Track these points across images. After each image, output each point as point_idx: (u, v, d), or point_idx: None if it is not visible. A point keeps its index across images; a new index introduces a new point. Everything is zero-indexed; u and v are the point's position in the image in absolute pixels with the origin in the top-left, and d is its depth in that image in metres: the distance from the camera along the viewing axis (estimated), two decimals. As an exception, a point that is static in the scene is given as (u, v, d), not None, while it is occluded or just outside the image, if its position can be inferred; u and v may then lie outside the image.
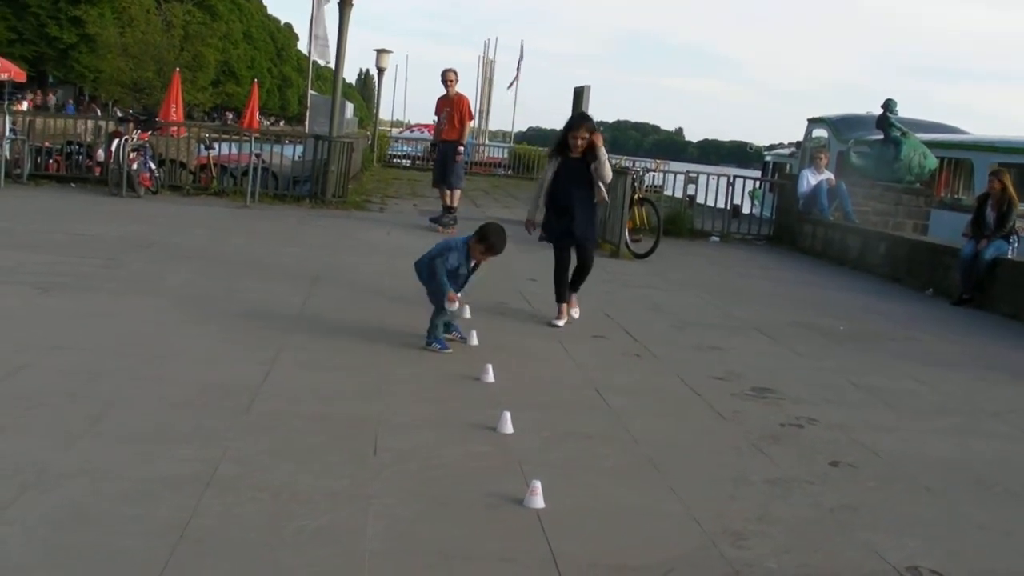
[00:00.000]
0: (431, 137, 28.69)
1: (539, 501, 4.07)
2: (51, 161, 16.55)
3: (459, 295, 6.66)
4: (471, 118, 15.58)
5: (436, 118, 14.74)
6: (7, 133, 15.26)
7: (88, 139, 17.28)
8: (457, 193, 14.80)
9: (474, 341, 6.91)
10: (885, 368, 7.63)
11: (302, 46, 30.25)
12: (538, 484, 4.11)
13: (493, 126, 55.00)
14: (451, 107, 14.41)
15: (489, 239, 6.67)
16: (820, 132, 23.67)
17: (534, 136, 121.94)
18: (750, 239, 16.95)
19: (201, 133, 18.25)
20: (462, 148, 14.78)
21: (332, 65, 18.17)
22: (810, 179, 16.14)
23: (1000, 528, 4.40)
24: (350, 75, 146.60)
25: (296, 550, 3.48)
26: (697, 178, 18.05)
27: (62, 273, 8.22)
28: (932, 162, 16.42)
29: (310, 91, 25.02)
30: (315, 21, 23.25)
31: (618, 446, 5.02)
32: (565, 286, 8.13)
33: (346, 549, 3.52)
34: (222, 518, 3.68)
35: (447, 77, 14.40)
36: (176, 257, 9.83)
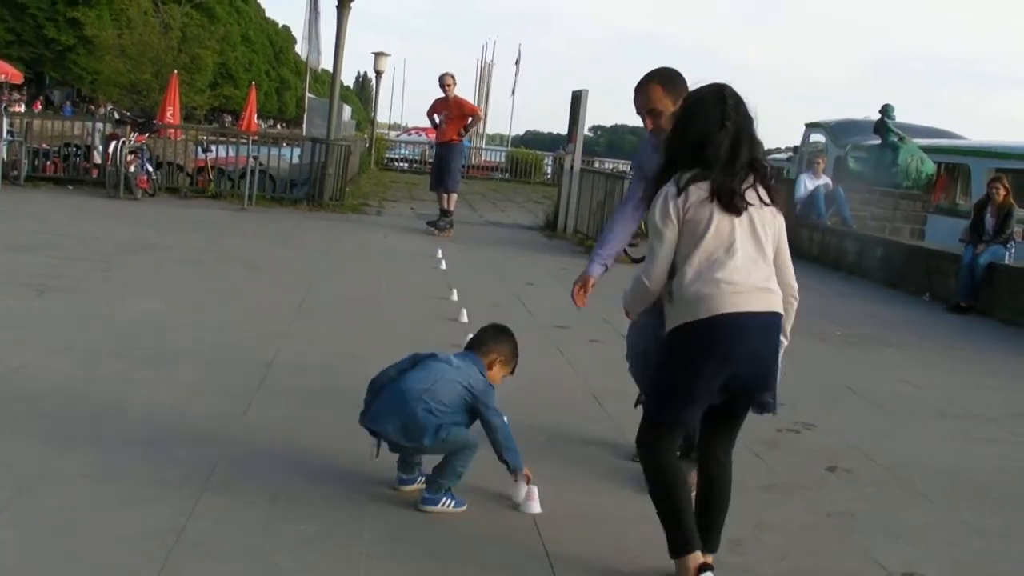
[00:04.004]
0: (428, 140, 28.51)
1: (536, 506, 4.06)
2: (48, 163, 16.53)
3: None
4: (477, 109, 15.62)
5: (436, 118, 14.64)
6: (4, 135, 15.24)
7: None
8: (454, 196, 14.80)
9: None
10: (882, 373, 7.63)
11: (300, 49, 30.36)
12: (535, 489, 4.10)
13: (491, 130, 55.11)
14: (448, 110, 14.39)
15: (514, 347, 4.28)
16: (817, 137, 23.67)
17: (531, 140, 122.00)
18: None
19: (198, 135, 18.23)
20: (465, 132, 14.89)
21: (330, 68, 18.17)
22: (807, 184, 16.17)
23: (998, 534, 4.39)
24: (348, 78, 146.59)
25: (293, 553, 3.47)
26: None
27: (58, 275, 8.20)
28: (929, 167, 16.45)
29: (308, 94, 25.04)
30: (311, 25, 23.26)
31: (615, 451, 5.01)
32: (689, 511, 3.46)
33: (343, 553, 3.51)
34: (219, 521, 3.67)
35: (445, 81, 14.37)
36: (173, 259, 9.81)
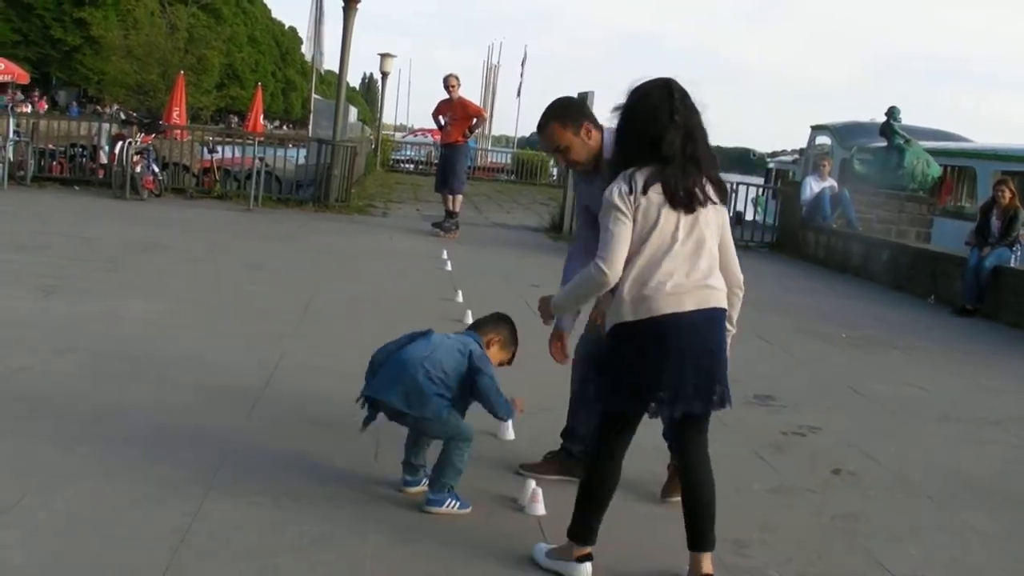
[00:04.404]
0: (433, 141, 28.48)
1: (540, 508, 4.06)
2: (55, 163, 16.56)
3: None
4: (481, 110, 15.60)
5: (441, 119, 14.66)
6: (11, 135, 15.28)
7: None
8: (459, 198, 14.81)
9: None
10: (887, 375, 7.62)
11: (305, 50, 30.38)
12: (539, 490, 4.11)
13: (496, 131, 55.11)
14: (453, 111, 14.40)
15: (515, 336, 4.41)
16: (823, 139, 23.66)
17: (537, 142, 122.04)
18: (753, 246, 16.92)
19: (204, 136, 18.25)
20: (470, 133, 14.87)
21: (334, 68, 18.18)
22: (813, 186, 16.16)
23: (1001, 537, 4.39)
24: (354, 79, 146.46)
25: (297, 555, 3.47)
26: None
27: (64, 275, 8.22)
28: (935, 170, 16.40)
29: (314, 95, 25.07)
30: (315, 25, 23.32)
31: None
32: (603, 508, 3.59)
33: (346, 555, 3.52)
34: (223, 522, 3.68)
35: (449, 83, 14.38)
36: (178, 260, 9.83)
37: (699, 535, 3.51)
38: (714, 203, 3.44)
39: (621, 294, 3.36)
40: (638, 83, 3.48)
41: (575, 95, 4.85)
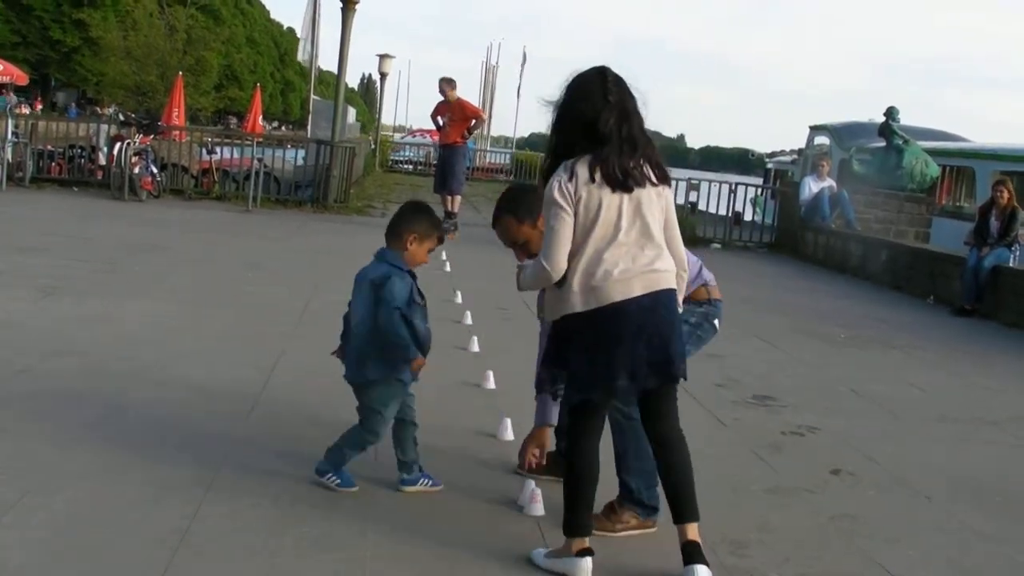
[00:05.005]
0: (432, 142, 28.43)
1: (539, 508, 4.07)
2: (53, 164, 16.56)
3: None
4: (480, 111, 15.61)
5: (439, 120, 14.67)
6: (9, 136, 15.28)
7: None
8: (458, 199, 14.81)
9: (475, 348, 6.90)
10: (886, 376, 7.63)
11: (301, 50, 30.27)
12: (539, 491, 4.11)
13: (495, 132, 55.09)
14: (451, 112, 14.41)
15: (431, 220, 4.21)
16: (822, 139, 23.68)
17: (536, 142, 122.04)
18: (752, 246, 16.95)
19: (203, 137, 18.25)
20: (469, 134, 14.89)
21: (325, 67, 18.18)
22: (812, 186, 16.17)
23: (999, 538, 4.39)
24: (353, 80, 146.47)
25: (297, 555, 3.48)
26: (699, 185, 18.08)
27: (64, 276, 8.22)
28: (934, 170, 16.41)
29: (312, 96, 25.06)
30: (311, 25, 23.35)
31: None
32: (591, 498, 3.58)
33: (347, 555, 3.52)
34: (223, 523, 3.68)
35: (442, 88, 14.41)
36: (177, 261, 9.83)
37: (682, 508, 3.55)
38: (654, 184, 3.48)
39: (570, 285, 3.40)
40: (573, 74, 3.55)
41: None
